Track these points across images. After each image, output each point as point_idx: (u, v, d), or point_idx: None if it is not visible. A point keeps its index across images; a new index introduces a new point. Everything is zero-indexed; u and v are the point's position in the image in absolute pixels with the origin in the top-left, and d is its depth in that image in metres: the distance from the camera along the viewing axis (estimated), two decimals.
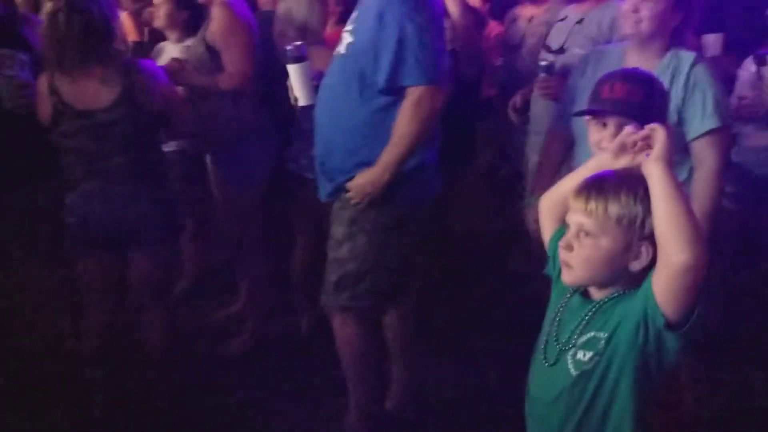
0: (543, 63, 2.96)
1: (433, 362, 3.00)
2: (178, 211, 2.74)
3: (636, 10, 2.25)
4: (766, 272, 3.01)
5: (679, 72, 2.25)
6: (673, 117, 2.23)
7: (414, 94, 2.25)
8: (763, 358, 2.95)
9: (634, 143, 1.36)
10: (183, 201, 3.29)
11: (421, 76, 2.23)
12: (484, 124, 4.26)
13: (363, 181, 2.33)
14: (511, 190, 3.46)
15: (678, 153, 2.23)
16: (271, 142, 3.17)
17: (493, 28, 4.48)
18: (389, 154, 2.29)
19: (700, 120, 2.22)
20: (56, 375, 2.83)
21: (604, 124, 1.79)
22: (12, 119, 2.61)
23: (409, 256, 2.50)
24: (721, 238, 2.48)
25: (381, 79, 2.26)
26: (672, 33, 2.28)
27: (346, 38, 2.37)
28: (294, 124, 3.06)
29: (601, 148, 1.77)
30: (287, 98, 2.68)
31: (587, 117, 1.90)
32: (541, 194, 2.61)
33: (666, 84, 2.23)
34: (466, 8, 3.61)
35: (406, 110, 2.26)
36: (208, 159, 3.31)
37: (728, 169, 2.35)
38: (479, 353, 3.15)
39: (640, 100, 1.75)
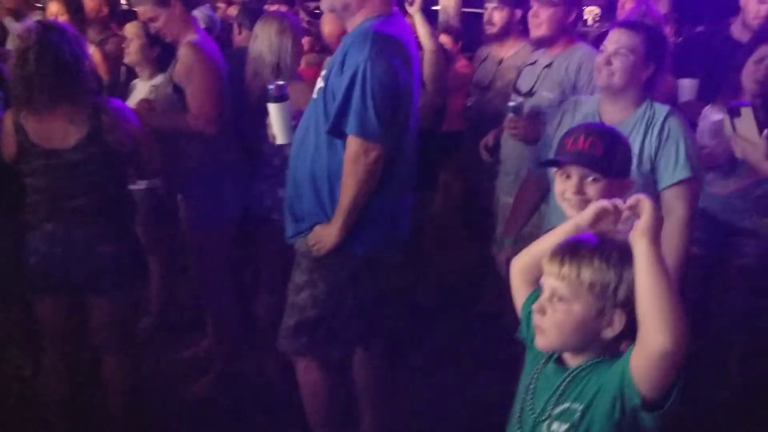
0: (512, 104, 3.01)
1: (404, 400, 2.97)
2: (143, 253, 2.69)
3: (609, 63, 2.30)
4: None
5: (654, 123, 2.30)
6: (645, 166, 2.28)
7: (351, 144, 2.23)
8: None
9: (618, 212, 1.35)
10: (151, 239, 3.27)
11: (357, 127, 2.20)
12: (451, 158, 4.33)
13: (320, 231, 2.33)
14: (484, 225, 3.48)
15: None
16: (240, 181, 3.15)
17: (463, 66, 4.56)
18: (339, 205, 2.29)
19: (672, 171, 2.27)
20: (15, 417, 2.75)
21: (569, 176, 1.82)
22: None
23: (376, 302, 2.47)
24: (687, 284, 2.51)
25: (330, 122, 2.25)
26: (645, 84, 2.33)
27: (319, 83, 2.37)
28: (261, 162, 3.05)
29: (565, 198, 1.82)
30: (255, 136, 2.67)
31: (553, 168, 1.93)
32: (512, 237, 2.69)
33: (640, 134, 2.29)
34: (437, 42, 3.66)
35: (345, 160, 2.25)
36: (178, 197, 3.28)
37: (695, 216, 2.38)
38: (451, 392, 3.14)
39: (602, 153, 1.78)
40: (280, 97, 2.52)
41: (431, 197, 4.63)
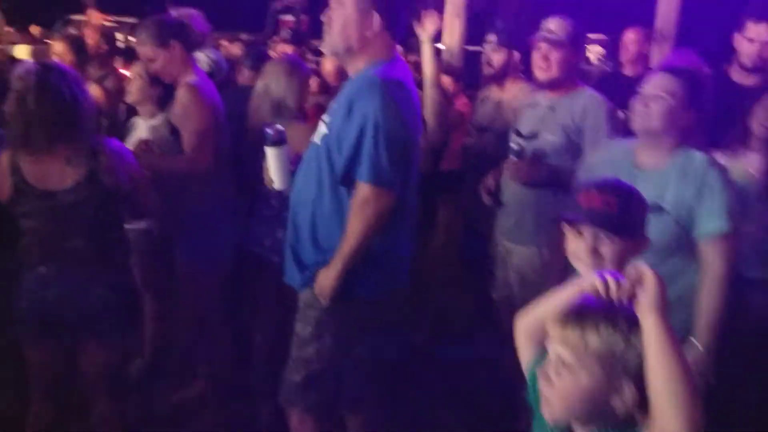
0: (514, 147, 2.99)
1: None
2: (138, 296, 2.64)
3: (647, 106, 2.25)
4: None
5: (692, 171, 2.23)
6: (682, 215, 2.22)
7: (361, 190, 2.23)
8: None
9: (623, 289, 1.28)
10: (145, 279, 3.21)
11: (370, 174, 2.20)
12: (450, 196, 4.30)
13: (322, 277, 2.30)
14: (483, 265, 3.43)
15: (681, 250, 2.24)
16: (238, 221, 3.12)
17: (463, 104, 4.56)
18: (340, 249, 2.27)
19: (711, 224, 2.21)
20: None
21: (581, 234, 1.76)
22: None
23: (380, 351, 2.43)
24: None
25: (339, 171, 2.25)
26: (683, 130, 2.26)
27: (322, 128, 2.35)
28: (259, 202, 3.02)
29: (578, 258, 1.75)
30: (254, 176, 2.63)
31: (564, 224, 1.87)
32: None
33: (677, 182, 2.23)
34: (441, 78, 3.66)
35: (353, 206, 2.24)
36: (174, 237, 3.24)
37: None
38: None
39: (616, 212, 1.70)
40: (279, 141, 2.49)
41: (431, 236, 4.59)
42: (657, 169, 2.24)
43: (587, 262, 1.71)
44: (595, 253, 1.71)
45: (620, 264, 1.65)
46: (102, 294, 2.43)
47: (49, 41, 4.54)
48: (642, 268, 1.25)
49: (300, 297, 2.41)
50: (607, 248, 1.71)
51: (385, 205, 2.23)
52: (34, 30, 6.53)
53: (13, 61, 4.12)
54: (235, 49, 5.25)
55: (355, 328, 2.35)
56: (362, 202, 2.22)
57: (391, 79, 2.26)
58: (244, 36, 6.68)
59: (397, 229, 2.35)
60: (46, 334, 2.44)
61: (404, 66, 2.44)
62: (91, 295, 2.42)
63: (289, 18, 7.97)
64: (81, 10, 7.51)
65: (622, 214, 1.71)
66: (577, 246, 1.75)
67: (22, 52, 4.33)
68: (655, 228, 1.93)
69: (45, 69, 2.40)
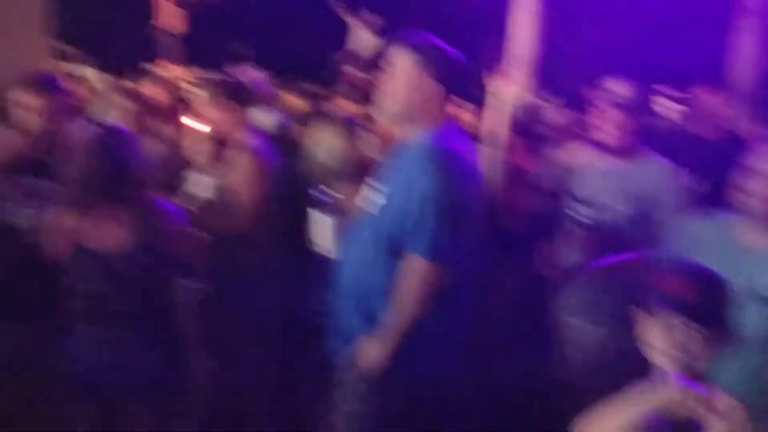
0: (581, 218, 2.84)
1: None
2: (187, 359, 2.59)
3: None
4: None
5: None
6: None
7: (413, 263, 2.18)
8: None
9: (702, 408, 1.16)
10: (194, 339, 3.16)
11: (426, 248, 2.16)
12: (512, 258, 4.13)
13: (368, 350, 2.23)
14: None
15: None
16: (287, 283, 3.06)
17: (524, 161, 4.43)
18: (388, 322, 2.21)
19: None
20: None
21: (662, 323, 1.60)
22: (16, 253, 2.53)
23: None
24: None
25: (391, 241, 2.21)
26: None
27: (377, 198, 2.29)
28: (308, 264, 2.95)
29: (656, 349, 1.59)
30: (304, 239, 2.58)
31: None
32: None
33: None
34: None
35: (403, 278, 2.19)
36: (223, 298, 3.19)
37: None
38: None
39: (705, 302, 1.56)
40: (328, 208, 2.43)
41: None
42: (765, 252, 2.03)
43: (668, 355, 1.56)
44: (678, 347, 1.55)
45: (703, 359, 1.52)
46: (152, 358, 2.41)
47: (118, 89, 4.63)
48: (734, 403, 1.11)
49: (343, 368, 2.33)
50: (692, 342, 1.55)
51: (437, 279, 2.18)
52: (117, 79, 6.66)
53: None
54: (295, 101, 5.28)
55: (403, 407, 2.26)
56: (414, 274, 2.17)
57: (448, 149, 2.22)
58: (305, 86, 6.74)
59: (448, 309, 2.27)
60: (91, 398, 2.41)
61: (461, 131, 2.40)
62: (138, 359, 2.39)
63: (350, 69, 8.01)
64: (155, 59, 7.76)
65: (712, 305, 1.56)
66: (656, 336, 1.59)
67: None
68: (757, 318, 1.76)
69: (104, 130, 2.42)
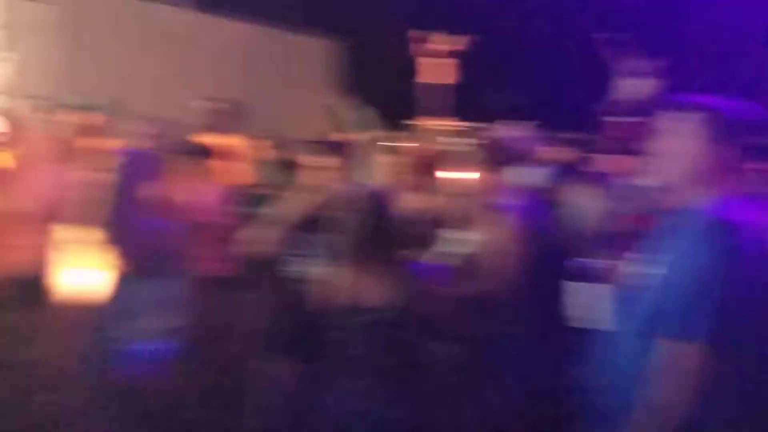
0: None
1: None
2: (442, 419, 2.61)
3: None
4: None
5: None
6: None
7: (680, 348, 1.94)
8: None
9: None
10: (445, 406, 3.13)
11: (678, 328, 1.93)
12: None
13: None
14: None
15: None
16: (554, 356, 2.89)
17: None
18: (647, 411, 1.96)
19: None
20: None
21: None
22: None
23: None
24: None
25: (659, 320, 1.98)
26: None
27: (656, 268, 2.08)
28: (567, 338, 2.77)
29: None
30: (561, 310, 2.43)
31: None
32: None
33: None
34: None
35: (667, 364, 1.95)
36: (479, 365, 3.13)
37: None
38: None
39: None
40: (600, 278, 2.26)
41: None
42: None
43: None
44: None
45: None
46: (401, 416, 2.45)
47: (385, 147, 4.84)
48: None
49: None
50: None
51: (691, 363, 1.93)
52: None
53: None
54: (559, 154, 5.09)
55: None
56: (678, 361, 1.94)
57: (732, 222, 1.98)
58: (569, 137, 6.49)
59: (727, 395, 1.96)
60: None
61: (753, 199, 2.11)
62: (391, 416, 2.44)
63: (615, 120, 7.56)
64: (420, 115, 8.07)
65: None
66: None
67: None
68: None
69: (374, 194, 2.68)
